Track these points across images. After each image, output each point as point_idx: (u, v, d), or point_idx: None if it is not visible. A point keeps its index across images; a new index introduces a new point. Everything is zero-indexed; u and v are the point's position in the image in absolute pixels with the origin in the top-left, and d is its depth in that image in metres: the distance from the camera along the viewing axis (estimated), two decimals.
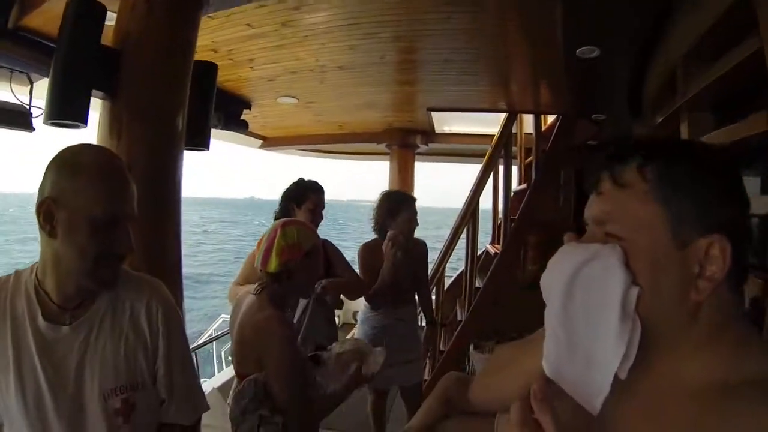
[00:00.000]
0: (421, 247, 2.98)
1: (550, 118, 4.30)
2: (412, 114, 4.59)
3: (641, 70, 2.82)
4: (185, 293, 2.26)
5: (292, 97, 4.07)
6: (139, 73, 1.98)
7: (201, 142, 2.36)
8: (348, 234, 48.69)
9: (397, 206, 2.78)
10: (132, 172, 1.04)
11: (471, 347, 4.30)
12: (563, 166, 4.80)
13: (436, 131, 5.22)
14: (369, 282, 2.69)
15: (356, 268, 2.74)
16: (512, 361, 0.80)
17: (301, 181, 2.59)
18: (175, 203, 2.12)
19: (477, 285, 4.03)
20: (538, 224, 4.83)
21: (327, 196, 2.58)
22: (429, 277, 3.21)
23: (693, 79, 2.10)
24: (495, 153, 3.89)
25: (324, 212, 2.58)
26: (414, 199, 2.86)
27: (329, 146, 6.24)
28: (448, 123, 5.10)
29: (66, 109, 1.91)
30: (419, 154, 5.83)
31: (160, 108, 2.03)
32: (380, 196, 2.89)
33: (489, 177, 3.96)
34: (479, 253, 5.16)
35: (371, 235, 2.88)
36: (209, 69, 2.56)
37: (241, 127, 4.20)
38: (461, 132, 5.29)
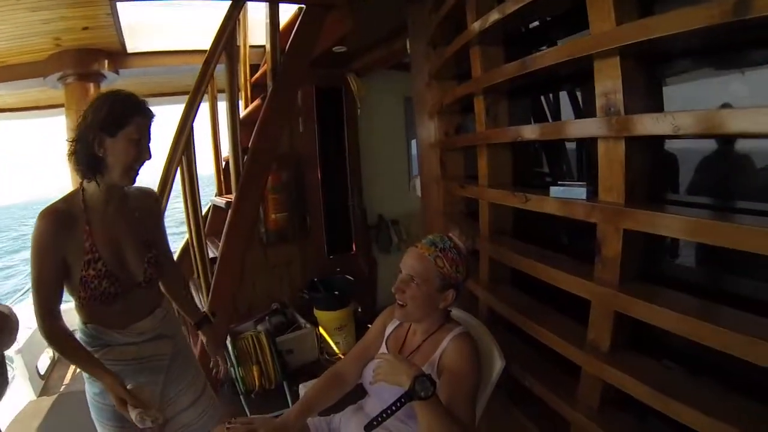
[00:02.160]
0: (149, 200, 1.70)
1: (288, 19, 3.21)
2: (90, 12, 2.94)
3: None
4: None
5: None
6: None
7: None
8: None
9: (120, 115, 1.42)
10: None
11: (229, 344, 3.17)
12: (302, 82, 3.84)
13: (129, 51, 3.60)
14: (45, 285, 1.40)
15: None
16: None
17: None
18: None
19: (212, 255, 2.85)
20: (277, 159, 3.85)
21: None
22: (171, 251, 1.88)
23: None
24: (211, 60, 2.58)
25: None
26: (146, 108, 1.49)
27: None
28: (146, 39, 3.56)
29: None
30: None
31: None
32: (90, 104, 1.46)
33: (200, 100, 2.63)
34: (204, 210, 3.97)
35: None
36: None
37: None
38: (164, 49, 3.77)
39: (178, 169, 2.56)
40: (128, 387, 1.36)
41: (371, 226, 4.63)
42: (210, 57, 2.53)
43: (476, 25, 1.66)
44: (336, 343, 3.87)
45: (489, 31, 1.62)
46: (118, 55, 3.65)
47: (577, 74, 1.53)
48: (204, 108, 3.35)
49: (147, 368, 1.59)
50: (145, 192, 1.70)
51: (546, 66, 1.33)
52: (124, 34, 3.41)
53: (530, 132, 1.51)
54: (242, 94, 3.53)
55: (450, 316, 1.57)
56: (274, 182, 3.95)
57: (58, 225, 1.40)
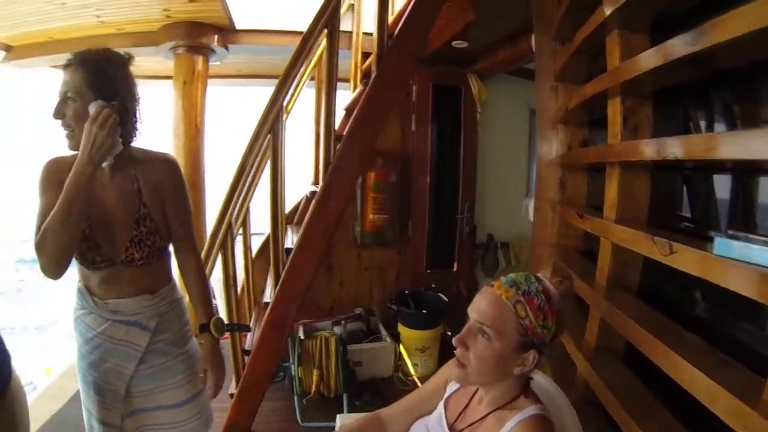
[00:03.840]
0: (161, 168, 1.48)
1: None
2: None
3: None
4: None
5: None
6: None
7: None
8: None
9: None
10: None
11: (297, 338, 2.97)
12: (414, 76, 3.55)
13: (238, 27, 3.61)
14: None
15: None
16: None
17: None
18: None
19: (289, 246, 2.66)
20: (378, 154, 3.60)
21: None
22: (192, 233, 1.60)
23: None
24: (309, 37, 2.36)
25: None
26: (74, 62, 1.31)
27: None
28: (254, 16, 3.59)
29: None
30: (216, 77, 4.22)
31: None
32: None
33: (296, 76, 2.45)
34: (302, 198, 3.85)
35: None
36: None
37: None
38: (272, 29, 3.70)
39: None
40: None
41: (478, 245, 4.19)
42: (308, 34, 2.32)
43: (611, 3, 1.19)
44: (414, 365, 3.52)
45: (629, 10, 1.15)
46: (227, 31, 3.65)
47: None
48: (310, 93, 3.22)
49: (118, 350, 1.43)
50: (159, 158, 1.49)
51: (726, 41, 0.83)
52: (231, 9, 3.37)
53: (692, 147, 0.99)
54: (352, 82, 3.33)
55: (529, 386, 1.13)
56: (379, 180, 3.70)
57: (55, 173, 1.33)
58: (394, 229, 3.83)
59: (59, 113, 1.29)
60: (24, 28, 3.75)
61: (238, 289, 2.58)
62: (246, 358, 2.52)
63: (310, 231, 2.42)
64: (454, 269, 4.13)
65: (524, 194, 4.30)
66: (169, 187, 1.48)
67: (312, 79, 3.31)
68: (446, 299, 3.75)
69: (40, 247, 1.26)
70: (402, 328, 3.60)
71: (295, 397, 2.91)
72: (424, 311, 3.58)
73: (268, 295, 2.77)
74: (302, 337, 3.00)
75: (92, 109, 1.24)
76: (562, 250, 1.97)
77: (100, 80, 1.29)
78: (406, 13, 2.45)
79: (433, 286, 3.91)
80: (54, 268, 1.28)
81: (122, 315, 1.43)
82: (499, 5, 2.54)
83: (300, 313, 2.50)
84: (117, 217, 1.39)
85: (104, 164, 1.34)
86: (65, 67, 1.30)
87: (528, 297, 1.03)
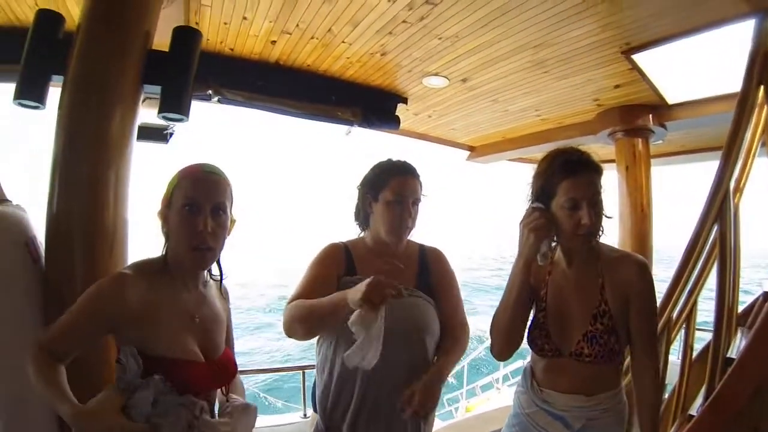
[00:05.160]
0: (626, 269, 1.44)
1: None
2: (612, 71, 3.09)
3: None
4: None
5: (436, 75, 3.24)
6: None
7: (177, 109, 2.09)
8: None
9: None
10: None
11: None
12: None
13: (671, 102, 3.46)
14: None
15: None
16: None
17: (383, 162, 1.67)
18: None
19: (730, 355, 2.32)
20: None
21: None
22: (653, 342, 1.51)
23: None
24: (745, 100, 2.00)
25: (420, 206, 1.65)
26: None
27: (538, 151, 5.01)
28: (686, 87, 3.34)
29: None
30: (660, 156, 4.14)
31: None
32: None
33: (737, 152, 2.10)
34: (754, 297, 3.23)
35: None
36: (189, 35, 2.22)
37: (387, 123, 3.74)
38: (709, 96, 3.32)
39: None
40: None
41: None
42: (742, 97, 1.98)
43: None
44: None
45: None
46: (661, 108, 3.52)
47: None
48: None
49: None
50: (628, 258, 1.46)
51: None
52: (660, 86, 3.21)
53: None
54: None
55: None
56: None
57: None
58: None
59: None
60: (481, 133, 4.81)
61: (667, 392, 2.41)
62: None
63: (756, 342, 2.07)
64: None
65: None
66: (635, 290, 1.41)
67: (763, 145, 2.86)
68: None
69: (490, 331, 1.50)
70: None
71: None
72: None
73: (697, 408, 2.48)
74: None
75: (526, 209, 1.41)
76: None
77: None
78: None
79: None
80: (497, 353, 1.51)
81: (551, 407, 1.46)
82: None
83: None
84: (574, 310, 1.44)
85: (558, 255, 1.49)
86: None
87: None
